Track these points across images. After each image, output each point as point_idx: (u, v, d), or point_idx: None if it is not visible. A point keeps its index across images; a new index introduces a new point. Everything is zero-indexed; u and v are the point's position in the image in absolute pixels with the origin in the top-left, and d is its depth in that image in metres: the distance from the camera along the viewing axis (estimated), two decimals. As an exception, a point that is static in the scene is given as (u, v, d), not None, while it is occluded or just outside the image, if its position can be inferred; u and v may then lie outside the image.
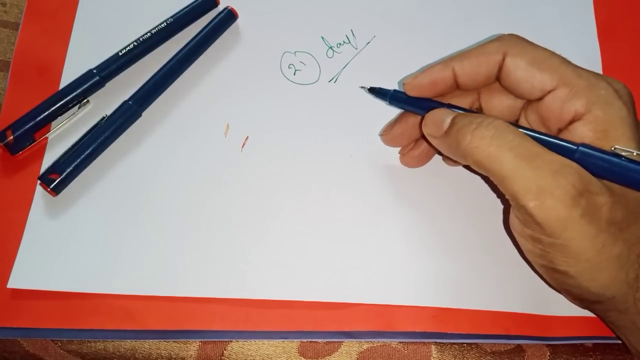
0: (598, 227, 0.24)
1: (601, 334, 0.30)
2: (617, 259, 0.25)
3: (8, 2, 0.37)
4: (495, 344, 0.31)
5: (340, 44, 0.35)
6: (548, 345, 0.31)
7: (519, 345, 0.31)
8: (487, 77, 0.29)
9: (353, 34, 0.35)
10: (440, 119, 0.28)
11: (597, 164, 0.25)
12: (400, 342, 0.30)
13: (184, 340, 0.30)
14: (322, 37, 0.35)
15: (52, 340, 0.30)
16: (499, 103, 0.29)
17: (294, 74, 0.35)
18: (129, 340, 0.30)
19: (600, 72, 0.35)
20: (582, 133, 0.26)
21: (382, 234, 0.31)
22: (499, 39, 0.28)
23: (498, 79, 0.29)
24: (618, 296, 0.26)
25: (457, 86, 0.29)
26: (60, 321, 0.29)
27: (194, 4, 0.35)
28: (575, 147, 0.25)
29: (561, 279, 0.27)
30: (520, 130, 0.26)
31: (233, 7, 0.35)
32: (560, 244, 0.25)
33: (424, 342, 0.30)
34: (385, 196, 0.32)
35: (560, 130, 0.27)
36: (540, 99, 0.28)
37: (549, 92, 0.27)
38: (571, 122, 0.27)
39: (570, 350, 0.31)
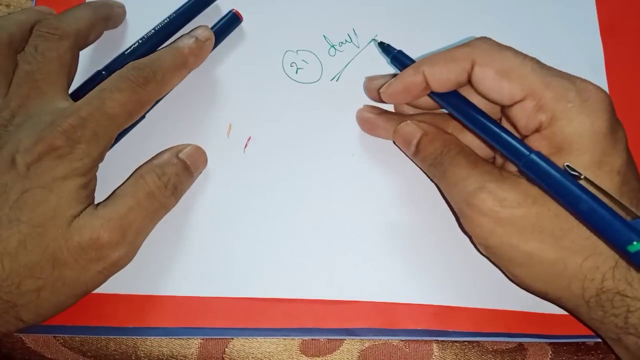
0: (521, 236, 0.26)
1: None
2: (552, 265, 0.26)
3: (13, 5, 0.37)
4: (496, 342, 0.31)
5: (342, 42, 0.35)
6: (550, 344, 0.31)
7: (520, 344, 0.31)
8: (457, 83, 0.29)
9: (355, 33, 0.35)
10: (408, 137, 0.31)
11: (540, 175, 0.25)
12: (401, 340, 0.30)
13: (185, 337, 0.30)
14: (324, 36, 0.35)
15: (54, 337, 0.30)
16: (478, 102, 0.29)
17: (296, 73, 0.35)
18: (130, 338, 0.30)
19: (603, 70, 0.35)
20: (538, 147, 0.27)
21: (384, 232, 0.31)
22: (469, 44, 0.28)
23: (470, 84, 0.29)
24: (564, 298, 0.27)
25: (430, 90, 0.30)
26: (61, 318, 0.29)
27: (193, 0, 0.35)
28: (528, 153, 0.26)
29: (507, 272, 0.29)
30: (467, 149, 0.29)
31: (235, 7, 0.35)
32: (491, 252, 0.28)
33: (425, 340, 0.30)
34: (387, 194, 0.32)
35: (524, 138, 0.28)
36: (510, 105, 0.28)
37: (518, 102, 0.27)
38: (533, 132, 0.27)
39: (572, 349, 0.31)
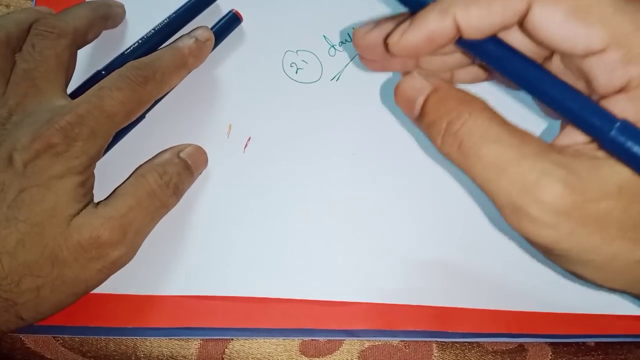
0: (605, 236, 0.20)
1: (604, 333, 0.30)
2: (639, 263, 0.21)
3: (12, 5, 0.37)
4: (497, 342, 0.31)
5: (342, 42, 0.35)
6: (550, 344, 0.31)
7: (520, 344, 0.31)
8: (501, 28, 0.21)
9: (355, 33, 0.35)
10: (411, 97, 0.23)
11: (632, 155, 0.19)
12: (401, 341, 0.30)
13: (185, 338, 0.30)
14: (324, 36, 0.35)
15: (54, 337, 0.30)
16: (516, 44, 0.22)
17: (296, 73, 0.35)
18: (130, 338, 0.30)
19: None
20: (625, 110, 0.20)
21: (384, 232, 0.31)
22: None
23: (520, 25, 0.21)
24: None
25: (460, 38, 0.22)
26: (61, 318, 0.29)
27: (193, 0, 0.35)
28: (616, 121, 0.19)
29: (573, 273, 0.23)
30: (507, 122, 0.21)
31: (235, 7, 0.35)
32: (557, 254, 0.22)
33: (425, 341, 0.30)
34: (387, 195, 0.32)
35: (601, 100, 0.21)
36: (583, 57, 0.21)
37: (596, 52, 0.20)
38: (616, 92, 0.20)
39: (572, 350, 0.31)
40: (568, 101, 0.20)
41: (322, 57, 0.35)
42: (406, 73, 0.24)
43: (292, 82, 0.34)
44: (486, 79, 0.26)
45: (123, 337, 0.30)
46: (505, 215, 0.22)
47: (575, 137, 0.21)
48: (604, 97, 0.21)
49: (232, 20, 0.35)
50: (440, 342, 0.30)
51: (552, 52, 0.22)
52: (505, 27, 0.21)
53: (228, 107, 0.34)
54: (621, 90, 0.20)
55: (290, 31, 0.35)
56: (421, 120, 0.23)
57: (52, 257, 0.26)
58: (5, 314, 0.26)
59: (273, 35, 0.35)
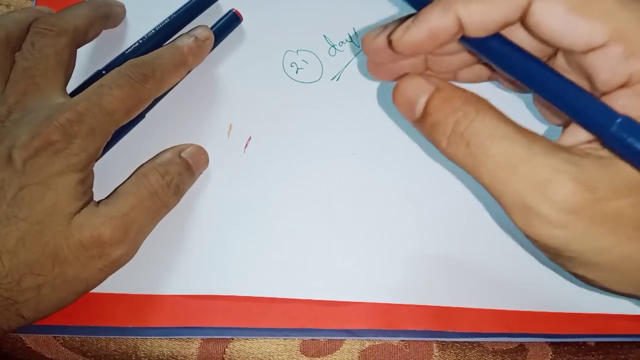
0: (619, 236, 0.20)
1: (604, 332, 0.30)
2: None
3: (13, 4, 0.37)
4: (497, 342, 0.31)
5: (342, 42, 0.35)
6: (550, 344, 0.31)
7: (521, 344, 0.31)
8: (503, 24, 0.21)
9: (355, 32, 0.35)
10: (411, 98, 0.23)
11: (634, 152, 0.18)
12: (401, 341, 0.30)
13: (186, 338, 0.30)
14: (324, 36, 0.35)
15: (54, 337, 0.30)
16: (520, 42, 0.22)
17: (296, 73, 0.35)
18: (131, 338, 0.30)
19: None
20: (627, 106, 0.19)
21: (384, 232, 0.31)
22: None
23: (522, 22, 0.21)
24: None
25: (462, 34, 0.22)
26: (62, 318, 0.29)
27: (194, 0, 0.35)
28: (617, 117, 0.19)
29: (579, 277, 0.23)
30: (513, 122, 0.21)
31: (235, 6, 0.35)
32: (566, 256, 0.21)
33: (425, 341, 0.30)
34: (387, 194, 0.32)
35: (603, 95, 0.21)
36: (584, 53, 0.20)
37: (597, 47, 0.20)
38: (618, 88, 0.20)
39: (572, 349, 0.31)
40: (569, 97, 0.20)
41: (322, 56, 0.35)
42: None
43: (292, 81, 0.34)
44: (489, 78, 0.26)
45: (123, 337, 0.30)
46: (514, 217, 0.21)
47: (578, 136, 0.21)
48: (606, 93, 0.20)
49: (232, 20, 0.35)
50: (441, 341, 0.30)
51: (555, 51, 0.22)
52: (508, 24, 0.21)
53: (228, 106, 0.34)
54: (623, 85, 0.20)
55: (291, 31, 0.35)
56: (423, 121, 0.22)
57: (52, 255, 0.26)
58: (6, 313, 0.26)
59: (273, 35, 0.35)
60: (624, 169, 0.19)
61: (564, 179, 0.19)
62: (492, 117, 0.21)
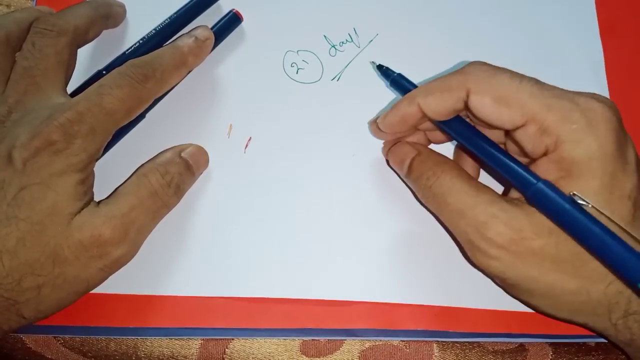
0: (541, 268, 0.25)
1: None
2: (574, 294, 0.25)
3: (13, 5, 0.37)
4: (497, 342, 0.31)
5: (342, 42, 0.35)
6: (550, 344, 0.31)
7: (521, 345, 0.31)
8: (455, 111, 0.28)
9: (356, 32, 0.35)
10: (402, 158, 0.30)
11: (547, 207, 0.25)
12: (402, 341, 0.30)
13: (186, 338, 0.30)
14: (325, 36, 0.35)
15: (54, 337, 0.30)
16: (481, 128, 0.29)
17: (297, 73, 0.35)
18: (131, 338, 0.30)
19: (603, 70, 0.35)
20: (547, 171, 0.26)
21: (384, 232, 0.31)
22: (462, 71, 0.27)
23: (466, 109, 0.27)
24: (591, 324, 0.27)
25: (427, 119, 0.29)
26: (62, 318, 0.29)
27: (194, 1, 0.35)
28: (535, 182, 0.25)
29: (526, 303, 0.28)
30: (465, 176, 0.28)
31: (236, 6, 0.35)
32: (508, 284, 0.27)
33: (426, 341, 0.30)
34: (388, 195, 0.32)
35: (533, 161, 0.27)
36: (514, 130, 0.27)
37: (520, 127, 0.26)
38: (542, 156, 0.26)
39: (572, 350, 0.31)
40: (503, 164, 0.27)
41: (322, 57, 0.35)
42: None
43: (292, 82, 0.34)
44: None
45: (124, 337, 0.30)
46: (465, 250, 0.28)
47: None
48: (534, 160, 0.27)
49: (232, 20, 0.35)
50: (441, 341, 0.30)
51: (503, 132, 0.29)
52: (457, 111, 0.28)
53: (228, 107, 0.34)
54: (544, 154, 0.26)
55: (291, 31, 0.35)
56: (409, 176, 0.30)
57: (53, 255, 0.26)
58: (7, 313, 0.26)
59: (274, 35, 0.35)
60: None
61: (496, 222, 0.25)
62: (453, 176, 0.28)
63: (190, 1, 0.35)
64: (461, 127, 0.28)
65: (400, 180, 0.32)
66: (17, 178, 0.26)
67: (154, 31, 0.33)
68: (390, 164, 0.32)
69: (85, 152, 0.27)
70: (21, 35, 0.30)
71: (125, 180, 0.29)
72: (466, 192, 0.27)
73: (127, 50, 0.33)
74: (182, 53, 0.31)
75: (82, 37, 0.32)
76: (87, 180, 0.28)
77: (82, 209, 0.27)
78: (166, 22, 0.34)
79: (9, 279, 0.25)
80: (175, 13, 0.34)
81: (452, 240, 0.31)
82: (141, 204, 0.28)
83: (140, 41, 0.33)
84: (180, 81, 0.33)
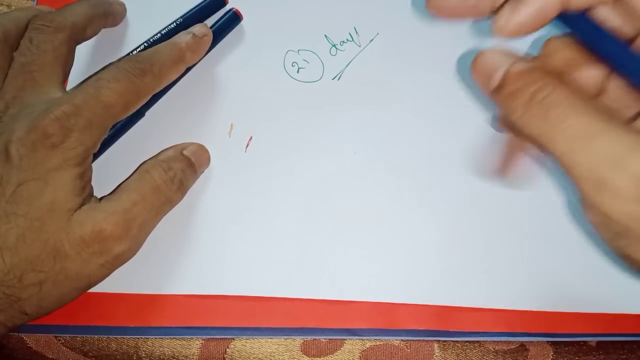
0: None
1: (605, 332, 0.30)
2: None
3: (13, 4, 0.37)
4: (498, 342, 0.31)
5: (343, 41, 0.35)
6: (551, 344, 0.31)
7: (522, 344, 0.31)
8: (600, 1, 0.22)
9: (356, 32, 0.35)
10: (491, 68, 0.23)
11: None
12: (402, 341, 0.30)
13: (187, 337, 0.30)
14: (325, 35, 0.35)
15: (55, 337, 0.30)
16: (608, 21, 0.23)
17: (297, 72, 0.34)
18: (132, 338, 0.30)
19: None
20: None
21: (385, 231, 0.31)
22: None
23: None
24: None
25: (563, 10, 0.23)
26: (63, 318, 0.29)
27: (202, 4, 0.35)
28: None
29: (633, 260, 0.22)
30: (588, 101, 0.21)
31: (236, 6, 0.35)
32: (631, 236, 0.21)
33: (426, 341, 0.30)
34: (388, 194, 0.32)
35: None
36: None
37: None
38: None
39: (573, 349, 0.31)
40: None
41: (323, 56, 0.35)
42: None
43: (293, 81, 0.34)
44: None
45: (125, 337, 0.30)
46: (586, 189, 0.21)
47: None
48: None
49: (231, 19, 0.35)
50: (442, 341, 0.30)
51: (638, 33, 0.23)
52: (603, 1, 0.22)
53: (229, 106, 0.34)
54: None
55: (292, 30, 0.35)
56: (500, 90, 0.23)
57: (53, 251, 0.26)
58: (9, 310, 0.26)
59: (274, 35, 0.35)
60: None
61: (638, 155, 0.19)
62: (572, 90, 0.21)
63: (197, 5, 0.35)
64: (588, 25, 0.23)
65: (401, 180, 0.32)
66: (15, 174, 0.26)
67: (159, 35, 0.33)
68: (473, 73, 0.24)
69: (82, 145, 0.27)
70: (19, 33, 0.30)
71: (127, 177, 0.29)
72: (593, 114, 0.20)
73: (132, 52, 0.33)
74: (180, 49, 0.31)
75: (80, 34, 0.31)
76: (85, 175, 0.28)
77: (82, 204, 0.27)
78: (172, 26, 0.34)
79: (10, 276, 0.25)
80: (181, 17, 0.34)
81: (452, 240, 0.31)
82: (144, 200, 0.28)
83: (145, 43, 0.33)
84: (179, 79, 0.33)
